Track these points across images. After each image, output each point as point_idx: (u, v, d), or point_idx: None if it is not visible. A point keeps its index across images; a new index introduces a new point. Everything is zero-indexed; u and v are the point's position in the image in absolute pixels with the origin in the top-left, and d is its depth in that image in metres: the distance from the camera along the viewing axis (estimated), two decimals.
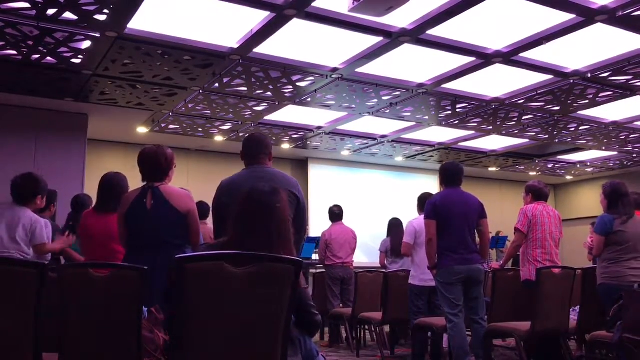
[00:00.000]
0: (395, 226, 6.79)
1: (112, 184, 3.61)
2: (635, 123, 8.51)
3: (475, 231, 4.49)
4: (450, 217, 4.33)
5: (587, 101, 7.28)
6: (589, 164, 11.76)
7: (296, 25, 5.15)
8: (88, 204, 4.95)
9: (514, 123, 8.36)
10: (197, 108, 7.57)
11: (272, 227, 2.16)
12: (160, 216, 3.02)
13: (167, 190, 3.08)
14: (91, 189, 7.36)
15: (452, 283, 4.26)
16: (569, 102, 7.31)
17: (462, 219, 4.35)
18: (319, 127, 8.81)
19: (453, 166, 4.62)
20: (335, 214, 6.92)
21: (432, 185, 12.12)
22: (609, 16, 4.92)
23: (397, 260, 6.55)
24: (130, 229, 3.07)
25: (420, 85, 6.75)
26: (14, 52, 5.65)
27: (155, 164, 3.14)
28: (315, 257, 8.07)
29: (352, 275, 6.56)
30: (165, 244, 2.98)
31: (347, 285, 6.65)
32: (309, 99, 7.22)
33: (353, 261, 6.86)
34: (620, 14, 4.88)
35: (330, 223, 6.96)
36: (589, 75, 6.35)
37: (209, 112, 7.77)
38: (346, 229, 6.86)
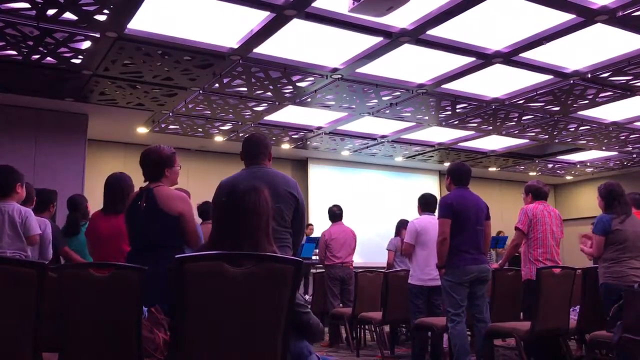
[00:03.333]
0: (404, 226, 6.79)
1: (117, 185, 3.60)
2: (635, 123, 8.51)
3: None
4: (465, 216, 4.32)
5: (587, 101, 7.28)
6: (589, 164, 11.76)
7: (296, 25, 5.15)
8: (83, 205, 4.93)
9: (514, 123, 8.36)
10: (197, 108, 7.57)
11: (247, 226, 2.16)
12: (151, 219, 2.99)
13: (160, 193, 3.04)
14: (91, 189, 7.42)
15: (461, 283, 4.25)
16: (569, 102, 7.31)
17: (474, 219, 4.35)
18: (319, 127, 8.81)
19: (463, 166, 4.64)
20: (335, 214, 6.92)
21: (432, 185, 12.13)
22: (609, 16, 4.92)
23: (404, 260, 6.57)
24: (128, 230, 3.10)
25: (420, 86, 6.75)
26: (14, 52, 5.65)
27: (148, 164, 3.12)
28: (315, 257, 8.08)
29: (351, 275, 6.56)
30: (158, 247, 2.96)
31: (346, 285, 6.64)
32: (309, 99, 7.22)
33: (353, 261, 6.86)
34: (620, 14, 4.88)
35: (329, 223, 6.96)
36: (589, 76, 6.35)
37: (209, 112, 7.77)
38: (346, 228, 6.86)
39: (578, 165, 11.93)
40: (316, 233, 9.09)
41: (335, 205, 7.02)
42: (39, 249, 3.95)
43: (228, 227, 2.19)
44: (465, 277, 4.24)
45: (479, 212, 4.40)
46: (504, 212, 12.13)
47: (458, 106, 7.49)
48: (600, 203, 4.49)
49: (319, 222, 9.96)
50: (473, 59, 5.92)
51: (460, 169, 4.59)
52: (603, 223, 4.33)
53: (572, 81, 6.52)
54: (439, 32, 5.30)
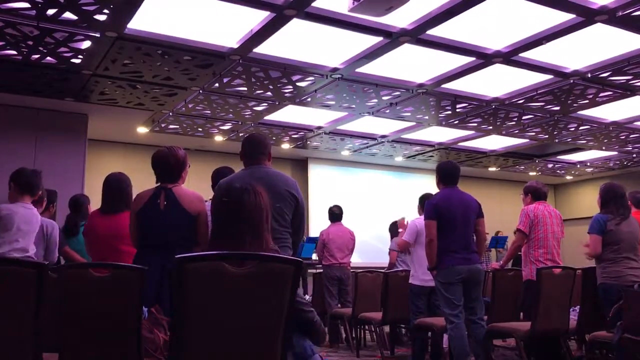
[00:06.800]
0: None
1: (116, 185, 3.59)
2: (635, 123, 8.51)
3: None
4: (451, 217, 4.32)
5: (587, 101, 7.28)
6: (589, 164, 11.76)
7: (296, 25, 5.15)
8: (86, 205, 4.93)
9: (514, 123, 8.36)
10: (197, 108, 7.57)
11: (244, 226, 2.16)
12: (172, 218, 3.03)
13: (180, 192, 3.09)
14: (91, 189, 7.41)
15: (452, 283, 4.25)
16: (569, 102, 7.31)
17: (462, 219, 4.35)
18: (319, 127, 8.81)
19: (450, 165, 4.62)
20: (335, 214, 6.92)
21: (432, 185, 12.04)
22: (609, 16, 4.92)
23: (406, 260, 6.57)
24: (142, 229, 3.08)
25: (420, 85, 6.75)
26: (14, 52, 5.65)
27: (166, 166, 3.15)
28: (315, 257, 8.07)
29: (349, 276, 6.57)
30: (175, 246, 2.98)
31: (344, 286, 6.65)
32: (309, 99, 7.21)
33: (350, 262, 6.86)
34: (620, 14, 4.88)
35: (329, 223, 6.95)
36: (589, 75, 6.35)
37: (209, 112, 7.77)
38: (344, 229, 6.86)
39: (578, 165, 11.92)
40: (314, 233, 9.08)
41: (335, 206, 7.02)
42: (44, 250, 3.95)
43: (224, 228, 2.19)
44: (456, 276, 4.24)
45: (468, 210, 4.39)
46: (504, 212, 12.13)
47: (458, 106, 7.49)
48: (599, 201, 4.50)
49: (318, 222, 9.95)
50: (473, 58, 5.92)
51: (446, 167, 4.57)
52: (598, 222, 4.33)
53: (572, 81, 6.52)
54: (439, 32, 5.30)
